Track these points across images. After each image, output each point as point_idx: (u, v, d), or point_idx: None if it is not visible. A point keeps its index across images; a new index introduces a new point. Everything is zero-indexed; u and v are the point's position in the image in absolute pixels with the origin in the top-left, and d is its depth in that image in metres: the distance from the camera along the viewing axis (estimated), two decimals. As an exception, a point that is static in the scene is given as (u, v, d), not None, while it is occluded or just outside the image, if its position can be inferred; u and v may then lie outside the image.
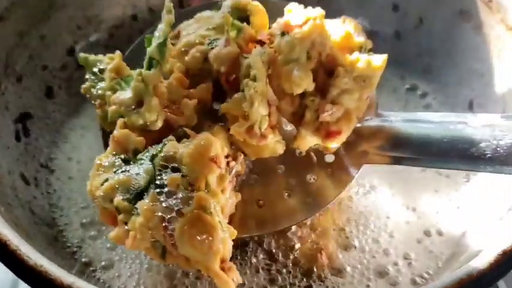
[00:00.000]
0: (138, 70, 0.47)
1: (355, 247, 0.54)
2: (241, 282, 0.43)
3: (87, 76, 0.53)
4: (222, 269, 0.41)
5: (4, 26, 0.58)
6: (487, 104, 0.60)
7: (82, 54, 0.53)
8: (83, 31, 0.68)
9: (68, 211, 0.57)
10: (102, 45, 0.70)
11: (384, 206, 0.57)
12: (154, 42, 0.48)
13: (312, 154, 0.54)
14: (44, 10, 0.63)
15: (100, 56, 0.54)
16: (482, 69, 0.61)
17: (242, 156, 0.49)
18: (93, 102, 0.53)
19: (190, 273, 0.51)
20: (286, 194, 0.53)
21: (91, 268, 0.53)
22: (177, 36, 0.55)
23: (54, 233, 0.55)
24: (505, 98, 0.58)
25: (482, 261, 0.40)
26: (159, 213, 0.41)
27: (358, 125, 0.52)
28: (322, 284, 0.51)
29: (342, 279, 0.51)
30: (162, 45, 0.47)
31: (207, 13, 0.55)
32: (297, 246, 0.54)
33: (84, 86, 0.53)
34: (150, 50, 0.47)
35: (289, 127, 0.54)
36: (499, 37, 0.59)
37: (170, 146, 0.44)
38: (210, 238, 0.40)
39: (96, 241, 0.55)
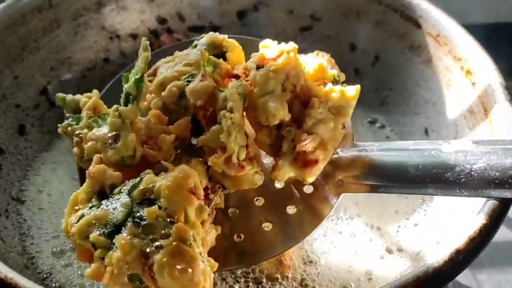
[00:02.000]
0: (115, 106, 0.48)
1: (317, 263, 0.57)
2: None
3: (66, 115, 0.53)
4: (205, 300, 0.40)
5: None
6: (441, 130, 0.65)
7: (59, 94, 0.54)
8: (55, 72, 0.70)
9: (39, 240, 0.58)
10: (74, 86, 0.72)
11: (349, 224, 0.61)
12: (131, 79, 0.48)
13: (291, 186, 0.54)
14: (17, 52, 0.66)
15: (77, 96, 0.54)
16: (434, 98, 0.66)
17: (221, 188, 0.49)
18: (71, 140, 0.53)
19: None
20: (266, 226, 0.52)
21: None
22: (154, 74, 0.56)
23: (25, 261, 0.56)
24: (456, 123, 0.63)
25: (437, 259, 0.43)
26: (137, 247, 0.40)
27: (335, 155, 0.52)
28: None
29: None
30: (138, 81, 0.48)
31: (184, 51, 0.56)
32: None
33: (61, 125, 0.52)
34: (127, 86, 0.48)
35: (267, 160, 0.55)
36: (447, 67, 0.64)
37: (148, 179, 0.44)
38: (191, 270, 0.39)
39: (67, 268, 0.56)
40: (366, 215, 0.61)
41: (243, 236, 0.52)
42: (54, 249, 0.57)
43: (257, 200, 0.54)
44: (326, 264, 0.56)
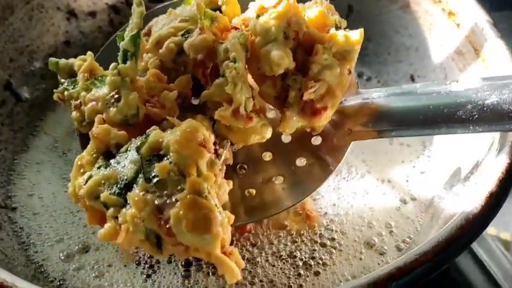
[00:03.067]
0: (113, 64, 0.46)
1: (339, 223, 0.56)
2: (244, 267, 0.41)
3: (60, 81, 0.51)
4: (224, 254, 0.39)
5: None
6: (428, 74, 0.64)
7: (52, 59, 0.51)
8: (16, 63, 0.65)
9: (42, 247, 0.53)
10: (38, 75, 0.67)
11: (361, 182, 0.60)
12: (127, 36, 0.46)
13: (298, 138, 0.53)
14: None
15: (71, 60, 0.52)
16: (416, 44, 0.64)
17: (229, 143, 0.48)
18: (68, 106, 0.51)
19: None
20: (276, 180, 0.51)
21: None
22: (148, 34, 0.54)
23: (33, 272, 0.51)
24: (444, 66, 0.61)
25: (474, 204, 0.42)
26: (151, 202, 0.39)
27: (342, 104, 0.51)
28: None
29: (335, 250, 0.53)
30: (135, 37, 0.46)
31: (178, 8, 0.54)
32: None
33: (56, 90, 0.50)
34: (124, 43, 0.46)
35: (272, 114, 0.53)
36: (427, 11, 0.63)
37: (155, 134, 0.42)
38: (209, 221, 0.38)
39: (80, 271, 0.51)
40: (375, 170, 0.61)
41: (253, 192, 0.51)
42: (61, 254, 0.53)
43: (265, 155, 0.53)
44: (347, 224, 0.55)
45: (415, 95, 0.50)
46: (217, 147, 0.47)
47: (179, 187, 0.39)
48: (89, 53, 0.51)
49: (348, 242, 0.54)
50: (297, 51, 0.49)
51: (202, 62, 0.50)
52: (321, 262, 0.52)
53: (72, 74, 0.51)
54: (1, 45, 0.63)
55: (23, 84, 0.54)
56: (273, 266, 0.52)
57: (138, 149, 0.42)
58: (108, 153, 0.44)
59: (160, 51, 0.50)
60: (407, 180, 0.60)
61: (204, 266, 0.51)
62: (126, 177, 0.41)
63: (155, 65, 0.51)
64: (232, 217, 0.43)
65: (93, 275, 0.51)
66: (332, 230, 0.55)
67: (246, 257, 0.52)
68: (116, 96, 0.46)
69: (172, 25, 0.51)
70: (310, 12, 0.50)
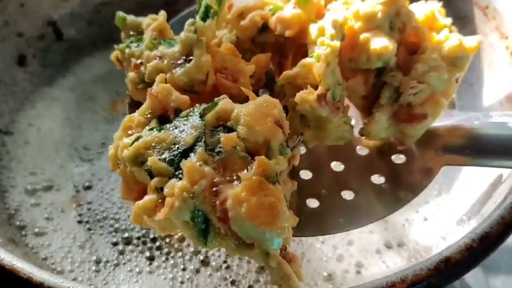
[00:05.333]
0: (190, 20, 0.40)
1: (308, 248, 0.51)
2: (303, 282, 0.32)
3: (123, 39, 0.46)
4: (283, 258, 0.31)
5: None
6: None
7: (120, 13, 0.46)
8: (66, 3, 0.64)
9: (16, 174, 0.54)
10: (85, 20, 0.64)
11: None
12: (213, -7, 0.40)
13: (377, 153, 0.45)
14: None
15: (140, 18, 0.46)
16: (473, 79, 0.57)
17: (302, 137, 0.40)
18: (123, 67, 0.45)
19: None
20: (345, 195, 0.43)
21: (23, 232, 0.51)
22: (229, 9, 0.48)
23: None
24: (490, 108, 0.54)
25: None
26: (208, 176, 0.31)
27: (436, 123, 0.43)
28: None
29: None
30: (221, -6, 0.40)
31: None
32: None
33: (117, 46, 0.45)
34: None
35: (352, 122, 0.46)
36: (491, 45, 0.55)
37: (225, 103, 0.35)
38: (275, 212, 0.30)
39: (35, 208, 0.53)
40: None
41: (316, 203, 0.43)
42: (29, 186, 0.54)
43: (335, 164, 0.45)
44: (316, 252, 0.50)
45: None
46: (288, 140, 0.39)
47: (244, 164, 0.32)
48: (162, 12, 0.45)
49: (308, 270, 0.48)
50: (400, 48, 0.42)
51: (283, 46, 0.44)
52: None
53: (138, 34, 0.45)
54: None
55: (67, 25, 0.55)
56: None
57: (202, 114, 0.35)
58: (163, 118, 0.37)
59: (242, 22, 0.44)
60: (403, 225, 0.52)
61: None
62: (182, 142, 0.33)
63: (231, 42, 0.45)
64: (297, 219, 0.35)
65: (45, 216, 0.52)
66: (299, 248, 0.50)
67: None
68: (186, 56, 0.39)
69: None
70: (419, 11, 0.43)
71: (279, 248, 0.31)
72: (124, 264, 0.49)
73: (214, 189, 0.32)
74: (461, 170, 0.53)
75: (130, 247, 0.50)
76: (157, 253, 0.49)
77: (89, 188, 0.54)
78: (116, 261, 0.49)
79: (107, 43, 0.52)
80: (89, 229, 0.51)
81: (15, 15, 0.60)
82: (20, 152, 0.56)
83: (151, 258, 0.49)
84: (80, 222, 0.52)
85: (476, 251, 0.37)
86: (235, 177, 0.32)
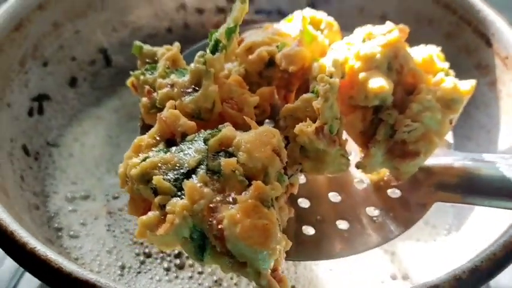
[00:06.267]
0: (200, 52, 0.43)
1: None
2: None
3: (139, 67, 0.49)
4: (273, 278, 0.33)
5: (41, 14, 0.61)
6: None
7: (137, 43, 0.49)
8: (117, 33, 0.69)
9: (59, 182, 0.60)
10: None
11: None
12: (223, 28, 0.43)
13: (373, 186, 0.47)
14: (82, 8, 0.65)
15: (155, 47, 0.49)
16: (490, 126, 0.59)
17: (301, 166, 0.43)
18: (138, 92, 0.48)
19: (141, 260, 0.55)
20: (340, 225, 0.45)
21: (59, 234, 0.56)
22: (239, 43, 0.51)
23: (38, 202, 0.57)
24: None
25: None
26: (208, 197, 0.34)
27: (431, 160, 0.45)
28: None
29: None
30: (232, 30, 0.43)
31: (275, 24, 0.52)
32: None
33: (133, 73, 0.48)
34: (218, 33, 0.43)
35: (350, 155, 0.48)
36: (509, 94, 0.57)
37: (228, 130, 0.38)
38: (267, 234, 0.32)
39: (72, 214, 0.58)
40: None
41: (312, 231, 0.45)
42: (68, 194, 0.59)
43: (333, 195, 0.47)
44: (318, 280, 0.53)
45: (510, 166, 0.44)
46: (287, 169, 0.41)
47: (242, 188, 0.34)
48: (176, 43, 0.49)
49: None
50: (397, 88, 0.44)
51: (288, 80, 0.46)
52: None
53: (153, 62, 0.48)
54: (109, 14, 0.67)
55: (116, 53, 0.59)
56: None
57: (206, 139, 0.37)
58: (171, 142, 0.40)
59: (250, 57, 0.47)
60: (411, 258, 0.55)
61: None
62: (186, 164, 0.36)
63: (239, 74, 0.48)
64: (290, 243, 0.37)
65: (80, 221, 0.57)
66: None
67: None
68: (195, 86, 0.42)
69: (269, 36, 0.48)
70: (418, 54, 0.46)
71: (270, 268, 0.33)
72: (145, 272, 0.54)
73: (212, 209, 0.34)
74: (473, 209, 0.55)
75: (150, 259, 0.55)
76: (173, 264, 0.54)
77: (116, 198, 0.60)
78: (138, 269, 0.54)
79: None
80: (115, 237, 0.56)
81: (70, 41, 0.65)
82: (64, 163, 0.62)
83: (168, 269, 0.54)
84: (108, 230, 0.57)
85: (465, 283, 0.39)
86: (232, 199, 0.34)
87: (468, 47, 0.63)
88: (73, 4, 0.64)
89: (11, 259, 0.40)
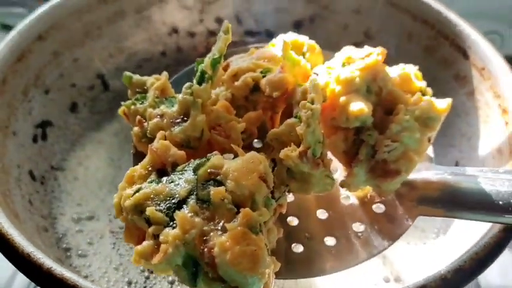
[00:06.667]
0: (188, 83, 0.45)
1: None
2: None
3: (129, 97, 0.51)
4: (263, 301, 0.35)
5: (41, 45, 0.64)
6: (469, 165, 0.61)
7: (126, 73, 0.51)
8: (114, 59, 0.72)
9: (65, 204, 0.63)
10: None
11: None
12: (208, 58, 0.45)
13: (359, 202, 0.49)
14: (80, 37, 0.68)
15: (144, 77, 0.51)
16: (470, 133, 0.63)
17: (287, 190, 0.45)
18: (130, 121, 0.50)
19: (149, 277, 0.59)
20: (328, 241, 0.47)
21: (68, 254, 0.59)
22: (226, 69, 0.53)
23: (47, 224, 0.60)
24: (484, 161, 0.59)
25: None
26: (198, 226, 0.36)
27: (413, 175, 0.47)
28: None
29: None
30: (216, 61, 0.45)
31: (261, 49, 0.54)
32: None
33: (124, 103, 0.50)
34: (204, 64, 0.45)
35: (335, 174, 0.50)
36: (487, 103, 0.60)
37: (216, 159, 0.40)
38: (256, 260, 0.34)
39: (79, 234, 0.61)
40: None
41: (301, 248, 0.47)
42: (75, 215, 0.63)
43: (320, 212, 0.49)
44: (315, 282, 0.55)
45: (489, 179, 0.46)
46: (274, 191, 0.43)
47: (231, 216, 0.36)
48: (165, 73, 0.50)
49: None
50: (377, 109, 0.46)
51: (273, 103, 0.48)
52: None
53: (142, 91, 0.50)
54: (106, 42, 0.71)
55: (114, 78, 0.62)
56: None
57: (195, 169, 0.39)
58: (162, 172, 0.42)
59: (236, 83, 0.49)
60: (402, 261, 0.58)
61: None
62: (177, 195, 0.38)
63: (226, 99, 0.50)
64: (278, 265, 0.39)
65: (87, 241, 0.61)
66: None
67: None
68: (183, 116, 0.44)
69: (252, 61, 0.50)
70: (396, 73, 0.48)
71: (260, 291, 0.35)
72: (151, 287, 0.57)
73: (203, 237, 0.36)
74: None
75: (154, 274, 0.58)
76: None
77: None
78: (144, 284, 0.57)
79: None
80: (121, 255, 0.60)
81: (69, 69, 0.68)
82: (69, 186, 0.65)
83: (172, 283, 0.57)
84: (113, 248, 0.60)
85: (449, 282, 0.41)
86: (222, 227, 0.36)
87: (446, 60, 0.66)
88: (71, 34, 0.67)
89: (22, 276, 0.44)
